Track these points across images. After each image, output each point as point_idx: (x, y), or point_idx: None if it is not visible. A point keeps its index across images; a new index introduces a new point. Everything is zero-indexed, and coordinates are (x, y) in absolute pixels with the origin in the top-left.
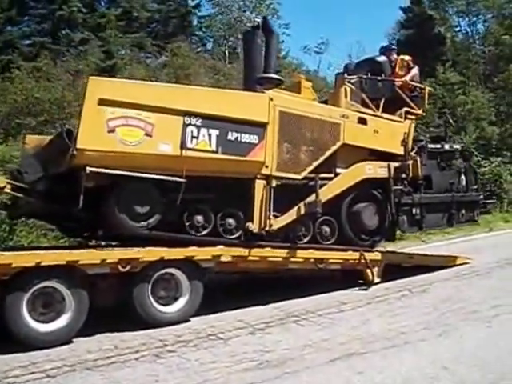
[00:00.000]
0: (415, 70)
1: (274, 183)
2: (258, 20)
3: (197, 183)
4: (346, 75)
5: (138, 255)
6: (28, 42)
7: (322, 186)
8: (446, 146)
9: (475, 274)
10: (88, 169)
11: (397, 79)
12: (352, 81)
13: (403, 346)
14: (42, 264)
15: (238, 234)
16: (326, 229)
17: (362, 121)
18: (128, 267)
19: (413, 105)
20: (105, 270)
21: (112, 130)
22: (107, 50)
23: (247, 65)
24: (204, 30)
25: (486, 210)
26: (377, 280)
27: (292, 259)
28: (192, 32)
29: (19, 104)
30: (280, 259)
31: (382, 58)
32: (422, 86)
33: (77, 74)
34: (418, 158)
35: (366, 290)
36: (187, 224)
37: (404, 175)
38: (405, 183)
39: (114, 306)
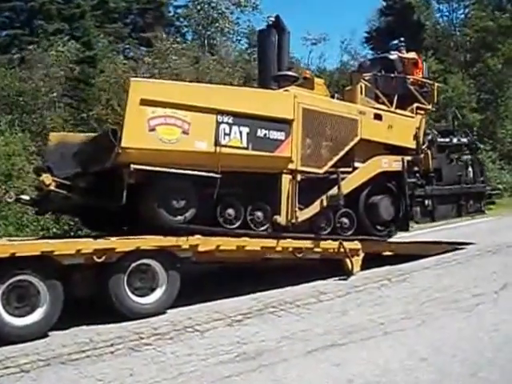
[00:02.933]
0: (424, 66)
1: (298, 177)
2: (272, 18)
3: (228, 178)
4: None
5: (113, 245)
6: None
7: (342, 179)
8: (454, 140)
9: (456, 262)
10: (132, 166)
11: (409, 76)
12: (366, 78)
13: (382, 337)
14: (17, 255)
15: (266, 227)
16: (346, 220)
17: (378, 117)
18: (103, 258)
19: (423, 100)
20: (80, 260)
21: (152, 129)
22: (86, 40)
23: (262, 63)
24: (181, 20)
25: (491, 200)
26: (357, 269)
27: (270, 249)
28: (169, 23)
29: None
30: (258, 249)
31: (395, 56)
32: (431, 82)
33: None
34: (429, 152)
35: (345, 279)
36: (220, 217)
37: (416, 168)
38: (417, 176)
39: (91, 298)
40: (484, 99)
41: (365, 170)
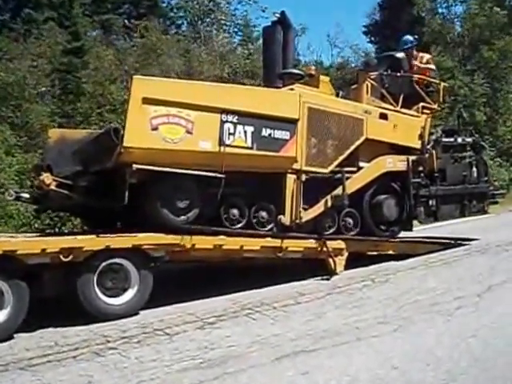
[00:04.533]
0: (432, 66)
1: (303, 177)
2: (277, 15)
3: (232, 178)
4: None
5: (80, 244)
6: None
7: (346, 179)
8: (459, 140)
9: (442, 262)
10: (134, 166)
11: (414, 75)
12: (372, 77)
13: (355, 343)
14: None
15: (270, 227)
16: (350, 220)
17: (383, 116)
18: (70, 257)
19: (429, 100)
20: (45, 259)
21: (155, 128)
22: (74, 31)
23: (267, 60)
24: (175, 11)
25: (494, 200)
26: (340, 269)
27: (248, 247)
28: (163, 13)
29: None
30: (236, 247)
31: (401, 55)
32: (438, 82)
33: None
34: (434, 152)
35: (328, 279)
36: (224, 217)
37: (421, 168)
38: (422, 176)
39: (61, 299)
40: (483, 95)
41: (369, 170)
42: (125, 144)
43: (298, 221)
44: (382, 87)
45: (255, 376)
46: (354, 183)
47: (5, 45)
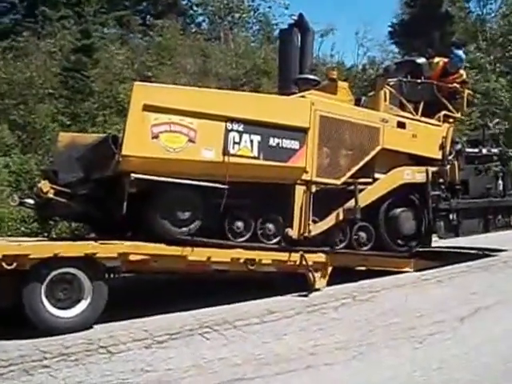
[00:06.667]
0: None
1: (313, 189)
2: (295, 17)
3: (238, 189)
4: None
5: (25, 251)
6: (3, 19)
7: (360, 191)
8: (484, 150)
9: (436, 280)
10: (132, 175)
11: (436, 82)
12: (391, 83)
13: (301, 372)
14: None
15: (277, 240)
16: (363, 235)
17: (401, 125)
18: (14, 264)
19: (452, 108)
20: None
21: (156, 136)
22: (84, 28)
23: (283, 64)
24: (195, 8)
25: None
26: (321, 285)
27: (217, 259)
28: (182, 11)
29: None
30: (203, 259)
31: (422, 60)
32: (462, 89)
33: (51, 55)
34: (456, 163)
35: (305, 296)
36: (228, 230)
37: (442, 180)
38: (442, 188)
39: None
40: None
41: (386, 182)
42: (123, 152)
43: (306, 234)
44: (400, 94)
45: None
46: (368, 195)
47: (18, 43)
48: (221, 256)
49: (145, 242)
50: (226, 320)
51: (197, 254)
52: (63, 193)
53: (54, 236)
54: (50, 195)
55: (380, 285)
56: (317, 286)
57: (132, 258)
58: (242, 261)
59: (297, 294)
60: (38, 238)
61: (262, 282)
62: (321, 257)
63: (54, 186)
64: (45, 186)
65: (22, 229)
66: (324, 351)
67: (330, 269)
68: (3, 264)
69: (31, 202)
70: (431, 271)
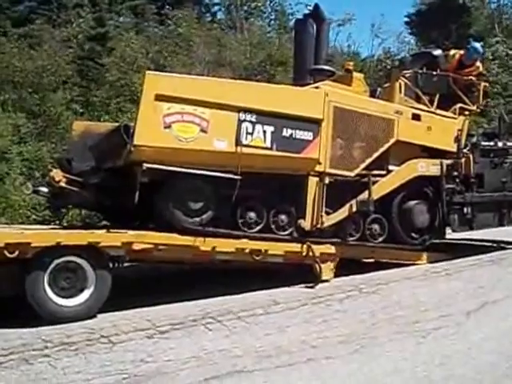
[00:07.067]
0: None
1: (326, 180)
2: (310, 7)
3: (250, 180)
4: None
5: (28, 240)
6: (18, 7)
7: (374, 183)
8: (500, 144)
9: (445, 272)
10: (144, 165)
11: (452, 74)
12: (406, 75)
13: (302, 365)
14: None
15: (289, 231)
16: (376, 227)
17: (416, 117)
18: (16, 253)
19: (467, 101)
20: None
21: (168, 126)
22: (98, 16)
23: (298, 54)
24: None
25: None
26: (329, 276)
27: (221, 249)
28: (199, 0)
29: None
30: (208, 249)
31: (438, 52)
32: (478, 82)
33: (65, 43)
34: (471, 156)
35: (312, 287)
36: (240, 220)
37: (456, 173)
38: (457, 181)
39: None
40: None
41: (400, 174)
42: (135, 142)
43: (319, 225)
44: (416, 86)
45: None
46: (382, 187)
47: (33, 31)
48: (226, 246)
49: (157, 231)
50: (230, 310)
51: (202, 244)
52: (75, 182)
53: (65, 224)
54: (63, 184)
55: (388, 277)
56: (324, 278)
57: (136, 247)
58: (247, 251)
59: (303, 285)
60: (50, 226)
61: (271, 271)
62: (328, 248)
63: (67, 175)
64: (57, 174)
65: (33, 216)
66: (326, 344)
67: (337, 260)
68: (5, 252)
69: (45, 190)
70: (440, 264)
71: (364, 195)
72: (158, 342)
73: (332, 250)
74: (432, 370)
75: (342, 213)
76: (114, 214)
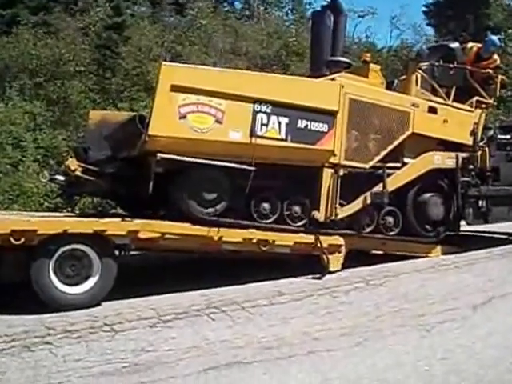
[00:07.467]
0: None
1: (341, 172)
2: None
3: (265, 171)
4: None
5: (34, 227)
6: None
7: (388, 175)
8: None
9: (454, 265)
10: (159, 155)
11: (469, 67)
12: (423, 67)
13: (302, 357)
14: None
15: (303, 222)
16: (391, 219)
17: (432, 110)
18: (22, 240)
19: (484, 94)
20: None
21: (183, 117)
22: (115, 5)
23: (315, 46)
24: None
25: None
26: (336, 267)
27: (228, 239)
28: None
29: (15, 60)
30: (214, 238)
31: (456, 45)
32: (495, 75)
33: (82, 32)
34: (487, 149)
35: (319, 278)
36: (254, 211)
37: (472, 166)
38: (472, 175)
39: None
40: None
41: (415, 167)
42: (150, 132)
43: (333, 217)
44: (432, 79)
45: None
46: (397, 180)
47: (50, 19)
48: (233, 236)
49: (163, 220)
50: (235, 301)
51: (208, 233)
52: (91, 171)
53: (77, 211)
54: (78, 173)
55: (396, 269)
56: (331, 269)
57: (142, 235)
58: (254, 241)
59: (311, 276)
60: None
61: (280, 262)
62: (337, 239)
63: (82, 164)
64: (72, 163)
65: (46, 204)
66: (328, 336)
67: (344, 252)
68: (11, 239)
69: (62, 178)
70: (451, 257)
71: (378, 187)
72: (160, 331)
73: (340, 241)
74: (434, 365)
75: (356, 205)
76: (129, 204)
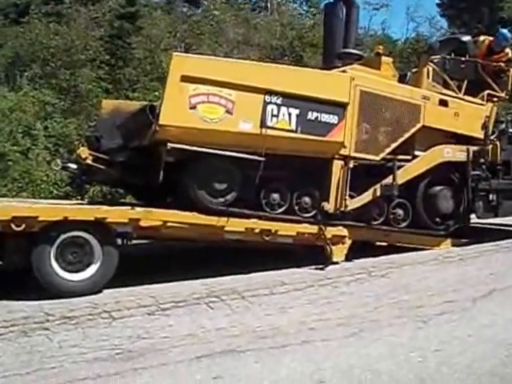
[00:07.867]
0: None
1: (351, 164)
2: None
3: (275, 162)
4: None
5: (35, 213)
6: None
7: (399, 167)
8: None
9: (459, 257)
10: (169, 145)
11: (481, 60)
12: (435, 60)
13: (296, 347)
14: None
15: (313, 213)
16: (400, 212)
17: (443, 103)
18: (23, 226)
19: (496, 87)
20: None
21: (193, 107)
22: None
23: (327, 38)
24: None
25: None
26: (339, 258)
27: (230, 228)
28: None
29: (26, 49)
30: (216, 227)
31: (467, 38)
32: (507, 68)
33: (94, 21)
34: (498, 143)
35: (322, 269)
36: (264, 202)
37: (482, 160)
38: (483, 168)
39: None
40: None
41: (425, 159)
42: (160, 122)
43: (342, 209)
44: (444, 72)
45: (160, 375)
46: (407, 172)
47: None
48: (235, 225)
49: (166, 208)
50: (236, 290)
51: (210, 222)
52: (102, 159)
53: (87, 200)
54: (89, 161)
55: (399, 261)
56: (335, 260)
57: (143, 223)
58: (257, 231)
59: (314, 266)
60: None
61: (285, 251)
62: (340, 230)
63: (93, 153)
64: (83, 152)
65: (55, 192)
66: (324, 326)
67: (349, 242)
68: (12, 225)
69: (74, 166)
70: (456, 249)
71: (388, 180)
72: (158, 318)
73: (344, 232)
74: (427, 357)
75: (366, 197)
76: (139, 192)
